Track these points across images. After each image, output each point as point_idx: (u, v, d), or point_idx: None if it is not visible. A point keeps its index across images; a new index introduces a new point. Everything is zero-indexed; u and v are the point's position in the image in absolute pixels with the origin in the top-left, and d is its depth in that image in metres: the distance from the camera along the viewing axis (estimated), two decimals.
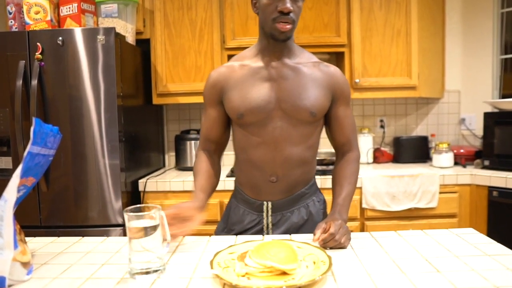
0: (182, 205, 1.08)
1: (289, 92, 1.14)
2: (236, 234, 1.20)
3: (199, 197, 1.14)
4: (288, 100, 1.13)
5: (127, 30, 2.27)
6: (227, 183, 2.17)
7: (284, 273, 0.80)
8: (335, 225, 0.98)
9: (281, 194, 1.20)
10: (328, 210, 1.24)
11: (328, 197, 1.30)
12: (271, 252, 0.80)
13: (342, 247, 0.98)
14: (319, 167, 2.19)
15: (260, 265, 0.79)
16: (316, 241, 0.97)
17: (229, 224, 1.27)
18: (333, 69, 1.21)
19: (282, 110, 1.14)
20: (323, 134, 1.26)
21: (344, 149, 1.26)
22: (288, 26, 1.07)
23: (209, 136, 1.26)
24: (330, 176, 1.27)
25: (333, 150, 1.37)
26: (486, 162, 2.33)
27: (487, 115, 2.34)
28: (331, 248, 0.97)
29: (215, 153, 1.29)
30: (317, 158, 1.35)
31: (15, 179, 0.81)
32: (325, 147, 2.56)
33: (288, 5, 1.05)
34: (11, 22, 2.13)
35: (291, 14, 1.07)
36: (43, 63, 1.96)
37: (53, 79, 1.97)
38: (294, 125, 1.15)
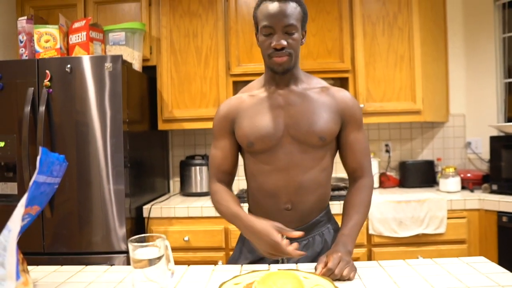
0: (275, 225, 1.06)
1: (296, 118, 1.15)
2: (251, 263, 1.18)
3: (254, 218, 1.10)
4: (296, 126, 1.14)
5: (134, 57, 2.31)
6: None
7: None
8: (333, 259, 0.96)
9: (296, 223, 1.18)
10: None
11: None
12: (278, 284, 0.78)
13: (346, 279, 0.95)
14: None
15: None
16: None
17: (244, 252, 1.24)
18: (342, 93, 1.20)
19: (291, 136, 1.15)
20: (337, 158, 1.26)
21: (356, 174, 1.23)
22: (284, 58, 1.10)
23: (223, 167, 1.24)
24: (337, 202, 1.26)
25: (340, 175, 1.36)
26: (494, 187, 2.30)
27: (493, 139, 2.33)
28: (337, 280, 0.95)
29: (229, 184, 1.27)
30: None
31: (20, 208, 0.80)
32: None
33: (281, 41, 1.08)
34: (22, 50, 2.18)
35: (285, 49, 1.10)
36: (51, 90, 1.99)
37: (61, 105, 2.00)
38: (305, 150, 1.15)
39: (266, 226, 1.04)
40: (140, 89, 2.34)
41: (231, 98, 1.27)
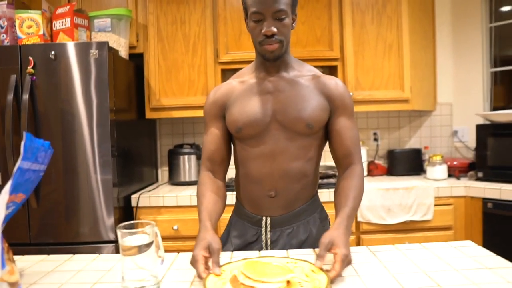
0: (211, 247, 0.93)
1: (285, 104, 1.14)
2: (237, 249, 1.18)
3: (208, 228, 1.01)
4: (284, 112, 1.13)
5: (120, 45, 2.26)
6: None
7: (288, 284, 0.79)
8: (342, 263, 0.87)
9: (281, 210, 1.17)
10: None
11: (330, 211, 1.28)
12: (265, 270, 0.79)
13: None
14: None
15: (279, 282, 0.78)
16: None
17: (231, 237, 1.25)
18: (333, 81, 1.18)
19: (278, 122, 1.14)
20: (326, 147, 1.23)
21: (345, 161, 1.18)
22: (275, 46, 1.09)
23: (213, 156, 1.21)
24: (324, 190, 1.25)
25: (329, 163, 1.34)
26: (480, 174, 2.34)
27: (479, 127, 2.36)
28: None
29: (219, 174, 1.23)
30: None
31: (4, 195, 0.78)
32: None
33: (272, 28, 1.06)
34: (3, 36, 2.11)
35: (276, 36, 1.08)
36: (34, 77, 1.94)
37: (45, 93, 1.95)
38: (292, 137, 1.14)
39: (201, 239, 0.96)
40: (127, 77, 2.30)
41: (221, 84, 1.25)
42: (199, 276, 0.87)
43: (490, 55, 2.71)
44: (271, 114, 1.14)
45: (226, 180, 1.27)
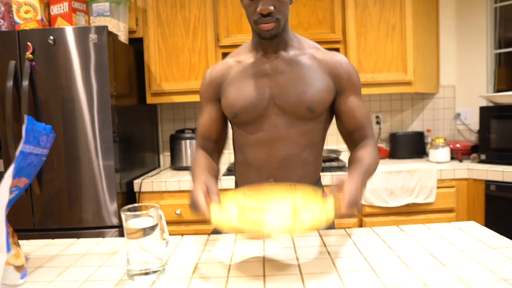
0: (210, 187, 0.88)
1: (284, 87, 1.07)
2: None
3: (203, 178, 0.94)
4: (283, 96, 1.07)
5: (120, 29, 2.24)
6: (223, 182, 2.14)
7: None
8: (348, 206, 0.80)
9: None
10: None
11: None
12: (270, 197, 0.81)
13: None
14: None
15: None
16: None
17: None
18: (338, 57, 1.10)
19: (277, 107, 1.08)
20: (329, 131, 1.19)
21: (358, 135, 1.10)
22: (271, 25, 1.01)
23: (207, 134, 1.18)
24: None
25: (332, 147, 1.31)
26: (483, 156, 2.33)
27: (483, 109, 2.34)
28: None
29: (213, 153, 1.19)
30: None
31: (7, 179, 0.78)
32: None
33: (268, 6, 0.98)
34: (0, 21, 2.09)
35: (273, 15, 1.00)
36: (34, 63, 1.92)
37: (45, 79, 1.94)
38: (292, 123, 1.08)
39: (197, 182, 0.91)
40: (127, 61, 2.28)
41: (217, 63, 1.19)
42: (203, 213, 0.80)
43: (494, 36, 2.67)
44: (269, 98, 1.08)
45: (227, 165, 1.25)
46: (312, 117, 1.09)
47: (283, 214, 0.77)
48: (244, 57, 1.15)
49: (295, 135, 1.09)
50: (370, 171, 1.00)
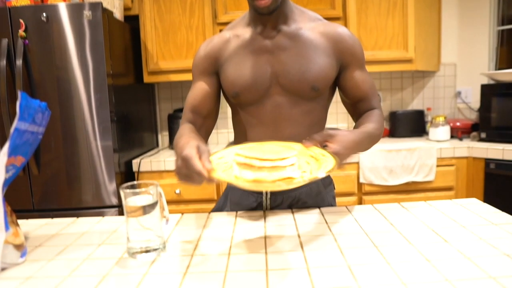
0: (201, 147, 0.79)
1: (287, 65, 1.02)
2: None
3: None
4: (286, 74, 1.02)
5: (115, 6, 2.18)
6: None
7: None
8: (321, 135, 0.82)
9: None
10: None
11: None
12: (266, 148, 0.80)
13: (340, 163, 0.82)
14: None
15: (270, 161, 0.73)
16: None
17: (229, 203, 1.19)
18: (340, 30, 1.05)
19: (280, 86, 1.04)
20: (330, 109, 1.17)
21: (363, 106, 1.08)
22: (268, 1, 0.95)
23: (197, 108, 1.10)
24: None
25: (331, 126, 1.28)
26: (483, 135, 2.32)
27: (484, 87, 2.32)
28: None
29: (201, 129, 1.10)
30: None
31: (3, 157, 0.76)
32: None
33: None
34: None
35: None
36: (27, 41, 1.88)
37: (39, 58, 1.90)
38: (295, 102, 1.04)
39: (186, 143, 0.83)
40: (123, 39, 2.23)
41: (213, 37, 1.12)
42: (198, 173, 0.73)
43: (498, 13, 2.62)
44: (271, 77, 1.03)
45: (226, 145, 1.22)
46: (315, 95, 1.05)
47: (283, 166, 0.74)
48: (242, 31, 1.09)
49: (299, 115, 1.06)
50: (371, 135, 0.97)
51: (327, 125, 2.42)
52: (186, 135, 0.95)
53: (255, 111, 1.07)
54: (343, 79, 1.08)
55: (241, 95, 1.05)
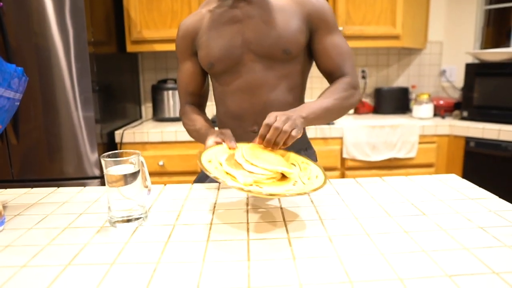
0: (225, 132, 0.96)
1: (257, 32, 1.05)
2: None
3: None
4: (257, 41, 1.05)
5: None
6: None
7: (283, 177, 0.82)
8: (268, 117, 0.86)
9: None
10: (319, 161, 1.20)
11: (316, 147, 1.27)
12: (263, 157, 0.83)
13: (289, 136, 0.86)
14: None
15: (269, 171, 0.79)
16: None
17: None
18: None
19: (253, 52, 1.06)
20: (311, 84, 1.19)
21: (335, 77, 1.10)
22: None
23: (190, 89, 1.20)
24: None
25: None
26: (465, 113, 2.36)
27: (468, 66, 2.33)
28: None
29: (200, 106, 1.23)
30: None
31: None
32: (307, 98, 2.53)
33: None
34: None
35: None
36: (1, 3, 1.79)
37: (15, 24, 1.81)
38: (269, 66, 1.07)
39: (211, 133, 0.99)
40: (105, 5, 2.15)
41: (190, 15, 1.17)
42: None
43: None
44: (242, 45, 1.06)
45: (211, 117, 1.24)
46: (288, 58, 1.07)
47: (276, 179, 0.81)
48: (215, 5, 1.12)
49: (274, 79, 1.08)
50: (326, 108, 1.00)
51: (313, 99, 2.42)
52: (199, 120, 1.13)
53: (231, 79, 1.10)
54: (313, 43, 1.10)
55: (215, 65, 1.09)
